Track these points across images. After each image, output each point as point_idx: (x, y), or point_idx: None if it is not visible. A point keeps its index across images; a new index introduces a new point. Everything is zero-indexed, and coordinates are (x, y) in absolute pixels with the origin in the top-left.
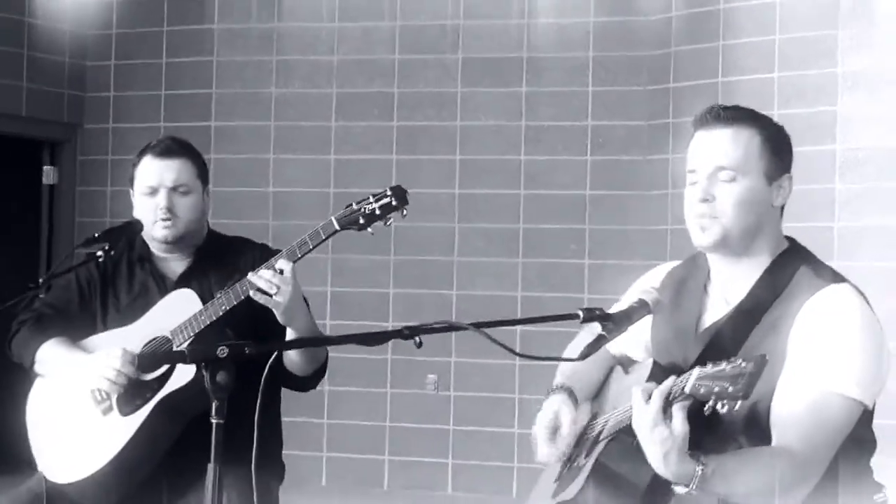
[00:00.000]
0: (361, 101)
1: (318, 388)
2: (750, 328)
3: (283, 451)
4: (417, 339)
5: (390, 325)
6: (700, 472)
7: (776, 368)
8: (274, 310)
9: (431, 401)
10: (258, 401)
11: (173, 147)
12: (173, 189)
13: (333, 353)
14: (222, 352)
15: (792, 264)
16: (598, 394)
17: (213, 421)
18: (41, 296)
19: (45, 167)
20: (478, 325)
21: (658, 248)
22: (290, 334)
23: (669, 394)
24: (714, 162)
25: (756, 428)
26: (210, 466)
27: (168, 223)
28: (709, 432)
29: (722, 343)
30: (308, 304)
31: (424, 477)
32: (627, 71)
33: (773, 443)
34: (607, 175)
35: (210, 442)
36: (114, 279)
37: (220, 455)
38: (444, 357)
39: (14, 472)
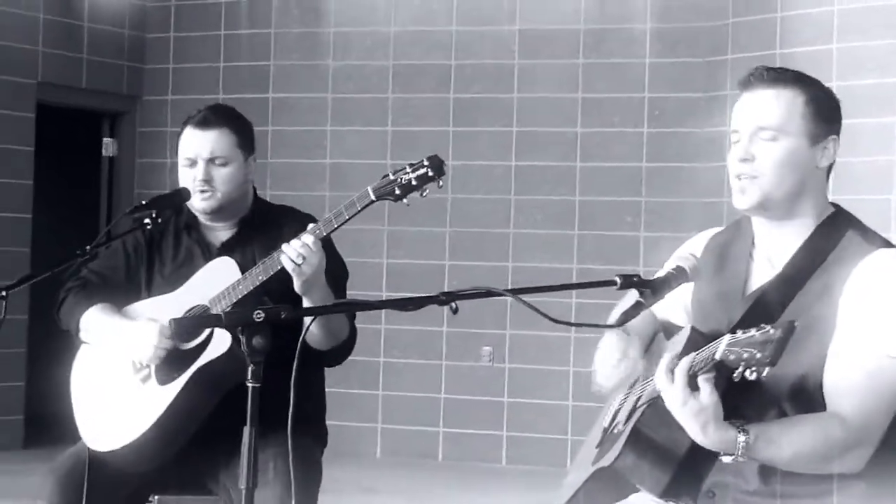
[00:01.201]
0: (418, 73)
1: (374, 359)
2: (795, 292)
3: (339, 423)
4: (453, 304)
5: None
6: (743, 439)
7: (826, 333)
8: (294, 279)
9: (486, 373)
10: (294, 364)
11: (210, 118)
12: (210, 160)
13: (388, 325)
14: (258, 315)
15: (839, 228)
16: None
17: (249, 385)
18: (89, 264)
19: (104, 139)
20: (515, 291)
21: (714, 220)
22: (305, 305)
23: (691, 367)
24: (755, 122)
25: (803, 395)
26: (245, 430)
27: (206, 195)
28: (747, 398)
29: (766, 307)
30: (347, 277)
31: (478, 449)
32: (685, 42)
33: (827, 408)
34: (664, 147)
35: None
36: (160, 246)
37: (255, 419)
38: (499, 329)
39: (63, 442)
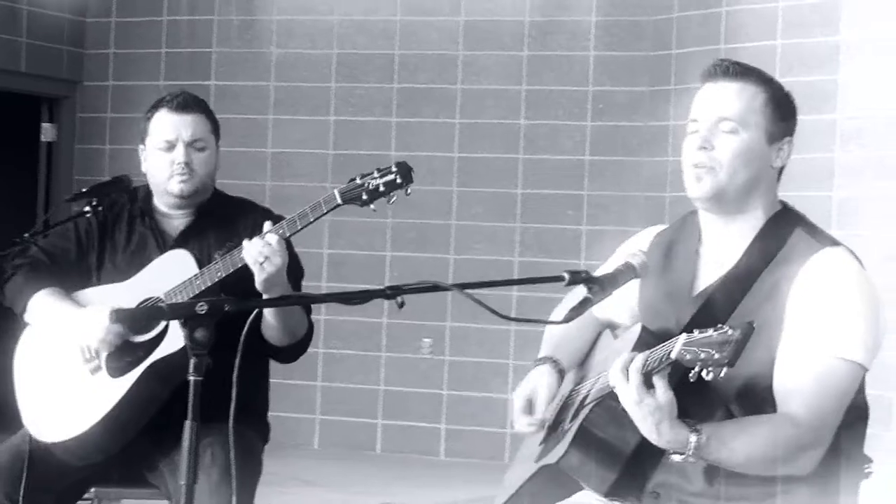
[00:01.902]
0: (362, 62)
1: (312, 349)
2: (744, 291)
3: (277, 413)
4: (399, 299)
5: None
6: (695, 440)
7: (774, 333)
8: (256, 276)
9: (426, 365)
10: (237, 357)
11: (190, 101)
12: (190, 144)
13: (329, 315)
14: (201, 308)
15: (786, 226)
16: (585, 359)
17: (191, 378)
18: (38, 242)
19: (43, 124)
20: (462, 287)
21: (656, 215)
22: None
23: (645, 365)
24: (717, 112)
25: (750, 396)
26: (187, 423)
27: (185, 177)
28: (695, 399)
29: (715, 306)
30: (303, 275)
31: (417, 441)
32: (630, 36)
33: (777, 409)
34: (607, 141)
35: (198, 404)
36: (113, 232)
37: (197, 412)
38: (440, 321)
39: (6, 431)
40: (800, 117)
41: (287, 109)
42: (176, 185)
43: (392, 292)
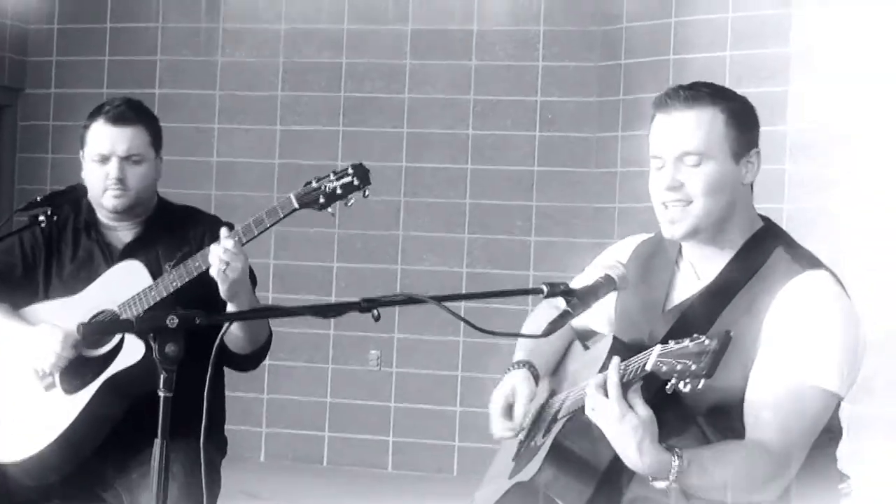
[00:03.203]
0: (309, 70)
1: None
2: (721, 308)
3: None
4: (376, 311)
5: (333, 300)
6: (677, 464)
7: (748, 352)
8: (220, 284)
9: (373, 377)
10: (209, 373)
11: (127, 114)
12: (125, 158)
13: (275, 327)
14: (172, 321)
15: (768, 245)
16: (557, 369)
17: (161, 394)
18: None
19: None
20: (439, 299)
21: (605, 226)
22: (230, 310)
23: (622, 378)
24: (678, 147)
25: (721, 413)
26: (157, 441)
27: (118, 192)
28: (667, 414)
29: (691, 321)
30: (256, 283)
31: (365, 454)
32: (578, 46)
33: (747, 432)
34: (556, 152)
35: (152, 417)
36: (58, 246)
37: (167, 430)
38: (388, 333)
39: None
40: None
41: (233, 118)
42: (110, 201)
43: (367, 305)
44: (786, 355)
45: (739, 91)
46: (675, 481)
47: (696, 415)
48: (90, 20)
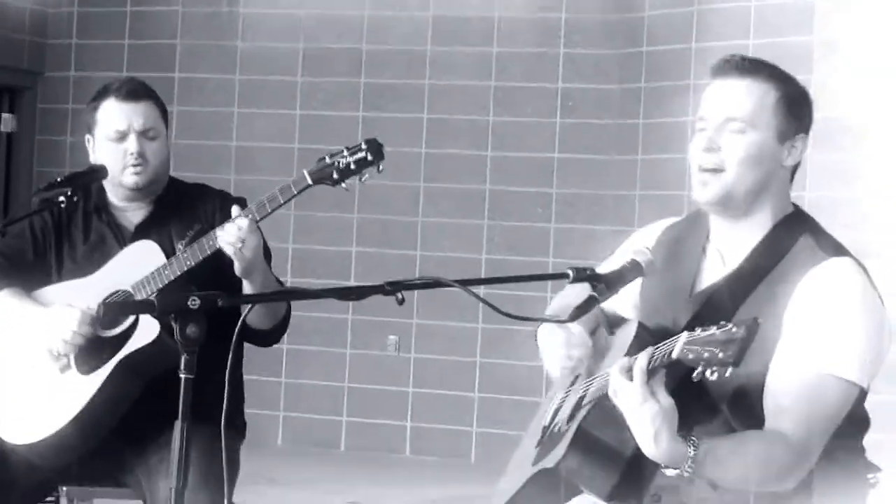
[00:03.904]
0: (329, 56)
1: (278, 345)
2: (746, 294)
3: None
4: (400, 295)
5: (352, 284)
6: (693, 454)
7: (771, 339)
8: (236, 262)
9: (391, 362)
10: (230, 356)
11: (139, 89)
12: (142, 133)
13: (293, 311)
14: (193, 303)
15: (795, 231)
16: None
17: (183, 376)
18: None
19: (3, 115)
20: (464, 283)
21: (626, 213)
22: (246, 288)
23: (649, 363)
24: (725, 112)
25: (744, 400)
26: (177, 424)
27: (139, 168)
28: (693, 401)
29: (716, 307)
30: (271, 259)
31: (382, 439)
32: (600, 33)
33: (767, 421)
34: (576, 138)
35: (170, 399)
36: (69, 228)
37: (188, 412)
38: (406, 318)
39: None
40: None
41: (252, 103)
42: (130, 178)
43: (391, 288)
44: (805, 344)
45: None
46: (688, 470)
47: (720, 402)
48: (110, 3)
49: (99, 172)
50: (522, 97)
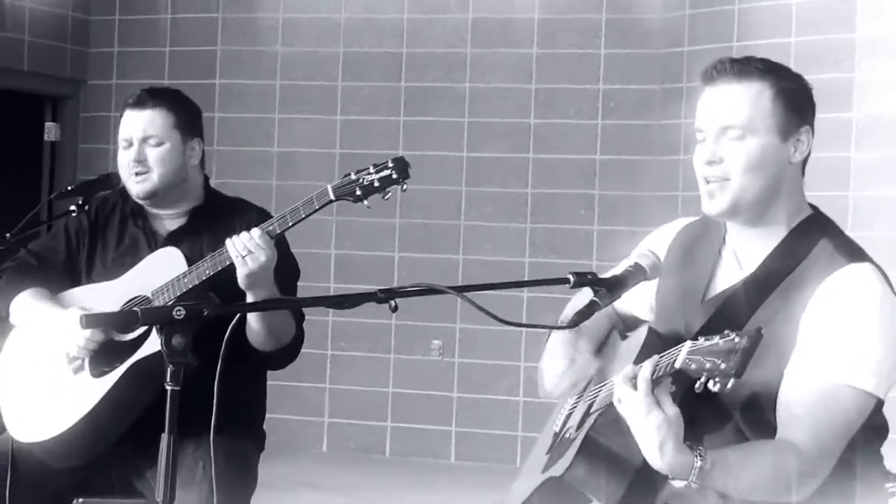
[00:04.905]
0: (369, 60)
1: (320, 352)
2: (761, 300)
3: (285, 416)
4: (393, 302)
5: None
6: (699, 465)
7: (786, 347)
8: (238, 272)
9: (435, 367)
10: (219, 366)
11: (144, 97)
12: (143, 140)
13: (336, 317)
14: (179, 313)
15: (813, 235)
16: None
17: (168, 388)
18: (28, 244)
19: (47, 123)
20: (459, 289)
21: (669, 214)
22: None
23: (654, 373)
24: (720, 121)
25: (756, 408)
26: (163, 437)
27: (141, 177)
28: (705, 408)
29: (730, 313)
30: (296, 277)
31: (427, 444)
32: (641, 34)
33: (779, 431)
34: (618, 139)
35: (188, 409)
36: (104, 232)
37: (174, 424)
38: (449, 323)
39: None
40: (816, 115)
41: (293, 108)
42: (133, 187)
43: (385, 295)
44: (821, 352)
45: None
46: (695, 482)
47: (732, 411)
48: (151, 11)
49: (111, 179)
50: (564, 99)
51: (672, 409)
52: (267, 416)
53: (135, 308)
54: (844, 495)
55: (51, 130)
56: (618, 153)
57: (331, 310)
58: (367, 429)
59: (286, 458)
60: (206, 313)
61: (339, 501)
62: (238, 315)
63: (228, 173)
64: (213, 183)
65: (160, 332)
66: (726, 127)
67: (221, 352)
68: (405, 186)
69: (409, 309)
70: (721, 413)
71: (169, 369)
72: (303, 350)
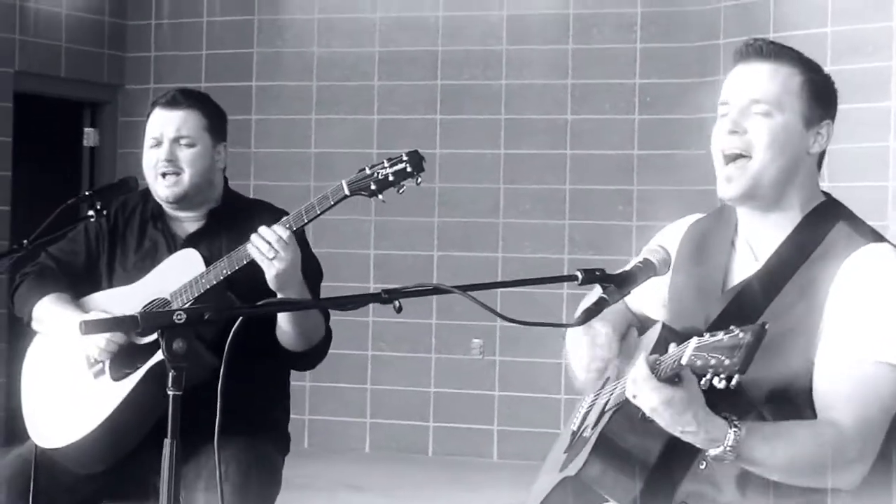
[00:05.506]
0: (404, 60)
1: (361, 352)
2: (779, 287)
3: (327, 417)
4: (397, 303)
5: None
6: (733, 432)
7: (810, 334)
8: (267, 274)
9: (476, 366)
10: (223, 364)
11: (179, 97)
12: (175, 140)
13: (376, 317)
14: (179, 317)
15: (827, 220)
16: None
17: (170, 393)
18: (48, 248)
19: (85, 129)
20: (465, 288)
21: (707, 208)
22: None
23: (658, 372)
24: (749, 94)
25: (785, 400)
26: (166, 442)
27: (171, 179)
28: (725, 403)
29: (747, 303)
30: (320, 277)
31: (469, 443)
32: (676, 27)
33: (818, 416)
34: (655, 134)
35: (207, 411)
36: (124, 235)
37: (177, 430)
38: (489, 321)
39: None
40: (854, 105)
41: (330, 109)
42: (163, 190)
43: (388, 296)
44: (850, 332)
45: (841, 67)
46: (730, 450)
47: (756, 404)
48: (187, 15)
49: (128, 183)
50: (600, 94)
51: (691, 383)
52: (309, 417)
53: (134, 313)
54: (880, 488)
55: (89, 136)
56: (655, 148)
57: (371, 311)
58: (409, 429)
59: (329, 459)
60: (206, 317)
61: (383, 502)
62: (242, 319)
63: (266, 175)
64: (252, 185)
65: (161, 336)
66: (755, 100)
67: (224, 354)
68: (419, 180)
69: (449, 308)
70: (743, 407)
71: (170, 374)
72: (343, 351)
